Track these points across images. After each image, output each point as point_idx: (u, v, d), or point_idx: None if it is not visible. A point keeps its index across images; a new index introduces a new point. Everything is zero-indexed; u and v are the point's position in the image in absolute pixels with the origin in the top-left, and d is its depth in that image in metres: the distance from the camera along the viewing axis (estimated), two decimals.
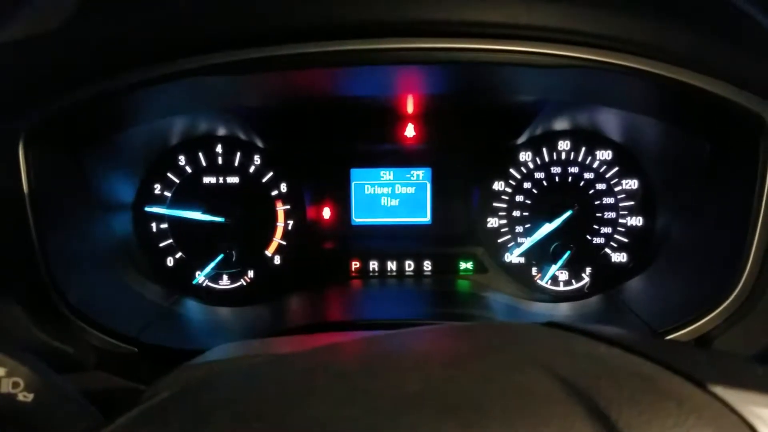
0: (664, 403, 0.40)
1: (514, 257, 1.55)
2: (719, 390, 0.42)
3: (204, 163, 1.51)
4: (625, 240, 1.51)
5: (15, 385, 0.64)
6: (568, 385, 0.41)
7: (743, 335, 1.04)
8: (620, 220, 1.51)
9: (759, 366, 0.51)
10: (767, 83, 0.96)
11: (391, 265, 1.56)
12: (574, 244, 1.49)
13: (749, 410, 0.40)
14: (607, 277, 1.50)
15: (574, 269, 1.53)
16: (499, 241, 1.55)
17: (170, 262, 1.51)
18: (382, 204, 1.57)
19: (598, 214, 1.51)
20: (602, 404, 0.39)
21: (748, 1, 0.81)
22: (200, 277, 1.50)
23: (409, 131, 1.50)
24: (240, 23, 0.89)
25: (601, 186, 1.51)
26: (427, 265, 1.56)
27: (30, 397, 0.64)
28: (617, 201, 1.50)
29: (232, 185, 1.52)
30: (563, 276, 1.54)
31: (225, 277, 1.54)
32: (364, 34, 0.90)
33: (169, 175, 1.50)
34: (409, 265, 1.56)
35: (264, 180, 1.52)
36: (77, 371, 1.04)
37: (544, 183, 1.52)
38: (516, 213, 1.54)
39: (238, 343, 0.85)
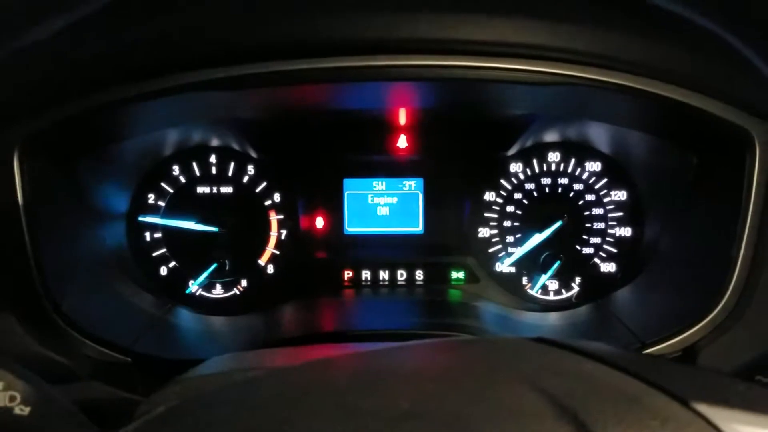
0: (649, 421, 0.41)
1: (504, 267, 1.56)
2: (702, 408, 0.43)
3: (198, 173, 1.52)
4: (614, 250, 1.53)
5: (12, 398, 0.64)
6: (557, 404, 0.42)
7: (729, 346, 1.06)
8: (609, 231, 1.52)
9: (742, 383, 0.52)
10: (754, 99, 0.98)
11: (384, 275, 1.57)
12: (564, 254, 1.50)
13: (731, 428, 0.42)
14: (596, 287, 1.52)
15: (564, 279, 1.55)
16: (490, 250, 1.57)
17: (164, 271, 1.52)
18: (375, 214, 1.58)
19: (587, 225, 1.53)
20: (589, 422, 0.40)
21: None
22: (193, 287, 1.51)
23: (402, 142, 1.51)
24: (236, 39, 0.90)
25: (590, 197, 1.53)
26: (419, 275, 1.57)
27: (27, 410, 0.64)
28: (606, 212, 1.52)
29: (226, 195, 1.53)
30: (553, 286, 1.56)
31: (218, 286, 1.54)
32: (358, 52, 0.91)
33: (162, 184, 1.50)
34: (401, 275, 1.57)
35: (257, 190, 1.53)
36: (71, 381, 1.04)
37: (535, 194, 1.54)
38: (507, 223, 1.55)
39: (232, 355, 0.86)
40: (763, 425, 0.42)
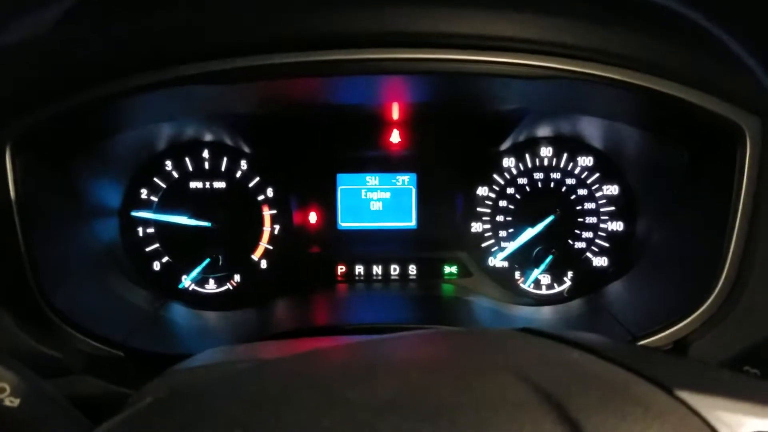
0: (631, 408, 0.42)
1: (497, 261, 1.57)
2: (685, 395, 0.43)
3: (191, 168, 1.51)
4: (606, 244, 1.53)
5: (1, 390, 0.64)
6: (540, 392, 0.43)
7: (720, 339, 1.07)
8: (601, 225, 1.53)
9: (726, 372, 0.53)
10: (746, 94, 0.99)
11: (377, 270, 1.57)
12: (557, 249, 1.51)
13: (713, 414, 0.42)
14: (588, 281, 1.52)
15: (556, 273, 1.56)
16: (482, 245, 1.57)
17: (157, 266, 1.52)
18: (368, 209, 1.58)
19: (579, 219, 1.53)
20: (572, 410, 0.41)
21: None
22: (186, 282, 1.51)
23: (395, 137, 1.51)
24: (230, 33, 0.90)
25: (582, 191, 1.53)
26: (412, 270, 1.58)
27: (16, 402, 0.64)
28: (598, 206, 1.53)
29: (219, 190, 1.53)
30: (545, 280, 1.56)
31: (211, 281, 1.54)
32: (351, 45, 0.91)
33: (155, 180, 1.50)
34: (395, 270, 1.57)
35: (250, 185, 1.53)
36: (64, 376, 1.04)
37: (527, 188, 1.55)
38: (499, 218, 1.56)
39: (223, 347, 0.86)
40: (746, 411, 0.43)
